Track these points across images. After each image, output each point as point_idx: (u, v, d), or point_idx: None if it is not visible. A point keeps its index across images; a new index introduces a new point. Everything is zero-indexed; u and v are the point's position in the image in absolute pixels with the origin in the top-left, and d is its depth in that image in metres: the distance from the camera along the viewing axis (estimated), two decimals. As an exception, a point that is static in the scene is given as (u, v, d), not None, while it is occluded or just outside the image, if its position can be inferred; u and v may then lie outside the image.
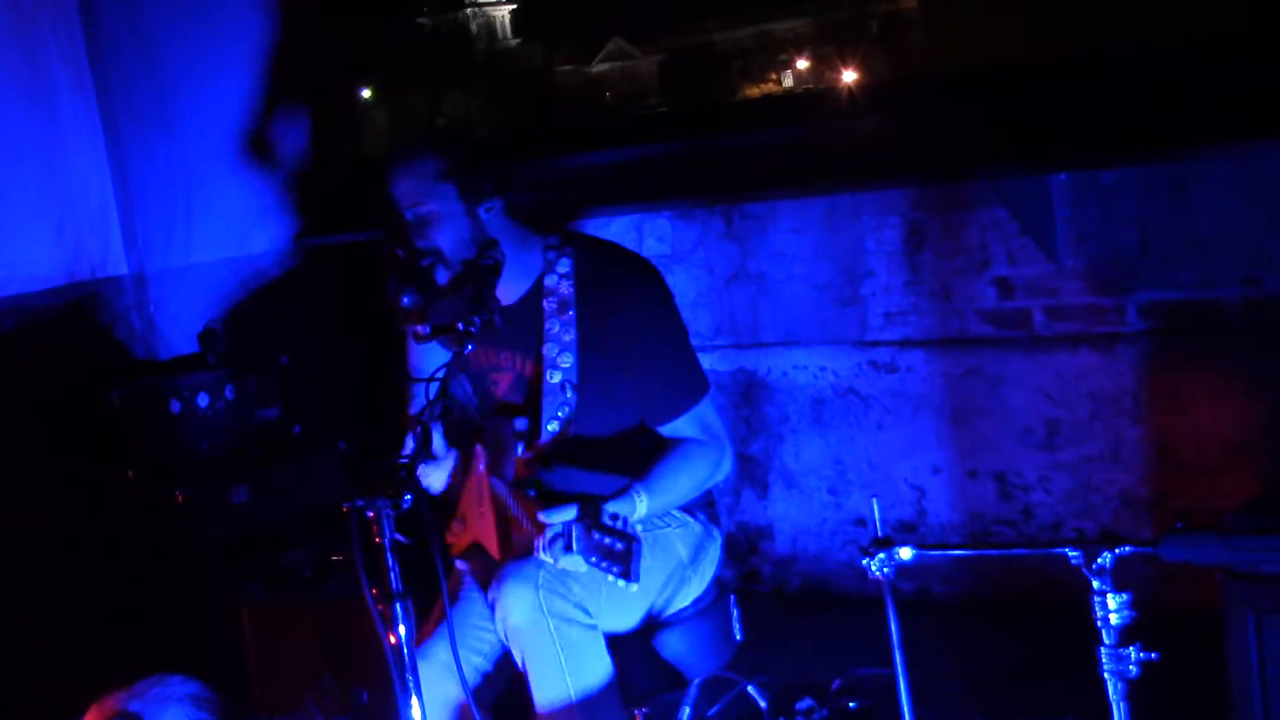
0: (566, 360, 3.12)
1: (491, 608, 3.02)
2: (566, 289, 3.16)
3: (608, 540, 2.65)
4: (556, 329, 3.14)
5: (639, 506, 2.95)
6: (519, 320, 3.15)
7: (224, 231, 5.77)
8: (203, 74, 5.74)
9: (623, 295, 3.15)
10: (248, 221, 5.81)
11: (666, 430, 3.15)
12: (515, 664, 3.02)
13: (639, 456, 3.09)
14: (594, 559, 2.69)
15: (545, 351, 3.15)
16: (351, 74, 6.22)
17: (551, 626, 2.94)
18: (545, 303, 3.17)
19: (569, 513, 2.78)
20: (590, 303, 3.15)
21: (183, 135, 5.73)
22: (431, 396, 2.78)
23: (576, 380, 3.11)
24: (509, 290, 3.19)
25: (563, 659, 2.95)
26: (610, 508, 2.80)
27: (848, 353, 4.98)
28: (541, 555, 2.83)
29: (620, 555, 2.63)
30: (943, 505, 4.87)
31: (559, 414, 3.10)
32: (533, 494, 2.97)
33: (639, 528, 2.75)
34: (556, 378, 3.12)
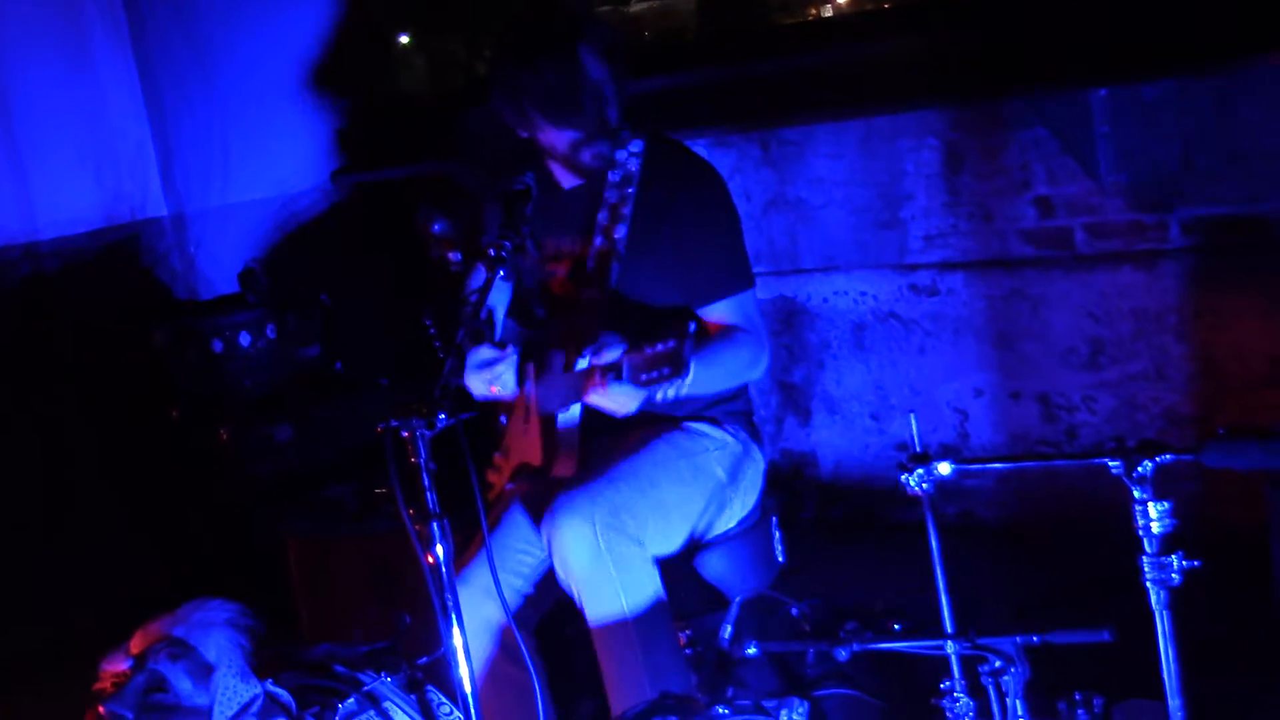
0: (618, 230, 3.16)
1: (547, 543, 3.01)
2: (633, 165, 3.20)
3: (659, 346, 2.63)
4: (614, 199, 3.18)
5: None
6: (585, 199, 3.21)
7: (262, 171, 5.78)
8: (237, 17, 5.73)
9: (688, 177, 3.21)
10: (286, 161, 5.82)
11: (711, 313, 3.16)
12: (560, 586, 3.02)
13: None
14: (644, 375, 2.65)
15: (599, 218, 3.18)
16: (389, 16, 6.25)
17: (610, 562, 2.94)
18: (610, 174, 3.20)
19: (618, 348, 2.76)
20: (654, 179, 3.19)
21: (219, 79, 5.73)
22: (466, 316, 2.78)
23: (623, 250, 3.14)
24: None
25: (619, 586, 2.96)
26: None
27: (888, 277, 4.94)
28: (593, 398, 2.83)
29: (671, 353, 2.61)
30: (985, 428, 4.84)
31: (602, 281, 3.13)
32: (585, 360, 2.95)
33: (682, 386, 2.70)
34: (604, 246, 3.13)
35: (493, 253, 2.85)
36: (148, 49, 5.69)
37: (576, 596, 3.00)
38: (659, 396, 2.67)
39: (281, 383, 5.15)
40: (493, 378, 3.10)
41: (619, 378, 2.72)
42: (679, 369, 2.60)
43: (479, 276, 3.30)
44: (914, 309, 4.91)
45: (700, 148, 5.09)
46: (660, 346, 2.63)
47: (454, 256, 3.08)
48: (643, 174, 3.19)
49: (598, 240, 3.17)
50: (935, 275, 4.83)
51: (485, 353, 3.11)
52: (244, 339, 5.07)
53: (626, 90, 3.18)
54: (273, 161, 5.80)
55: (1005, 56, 4.46)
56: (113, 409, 5.26)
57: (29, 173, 5.29)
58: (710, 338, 3.10)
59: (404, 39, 6.55)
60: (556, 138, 3.14)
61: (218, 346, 5.01)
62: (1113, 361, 4.54)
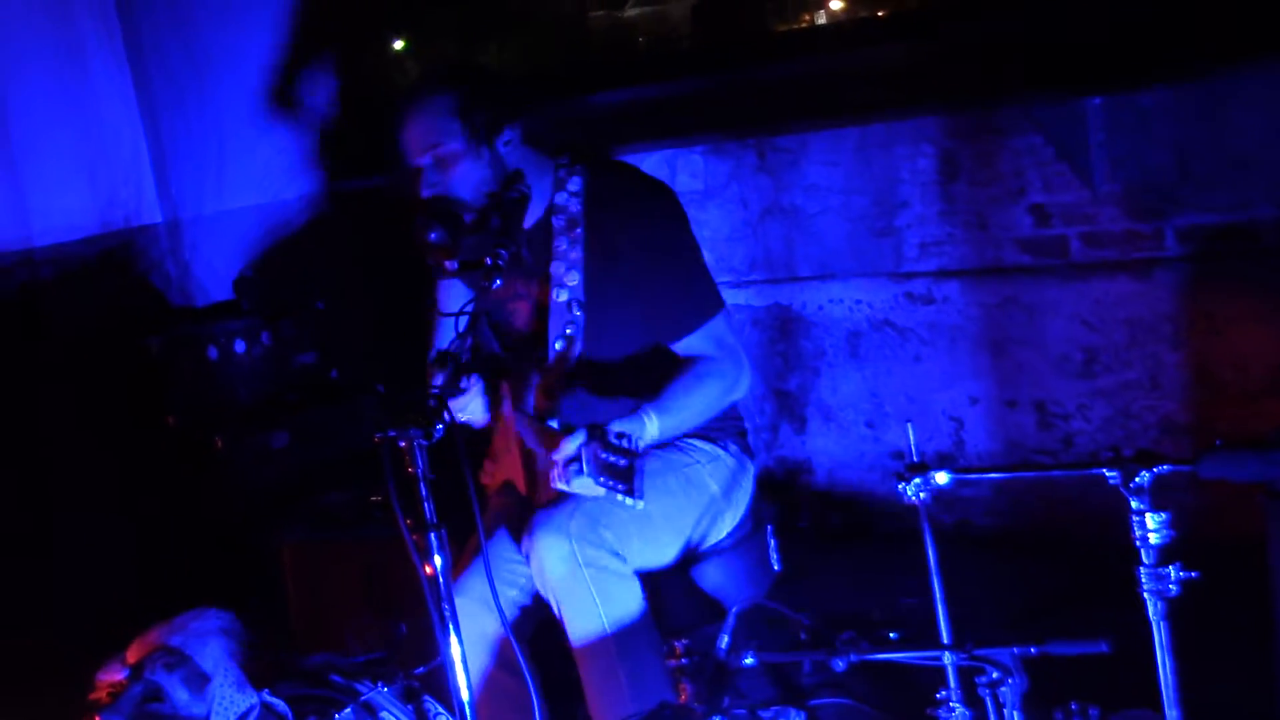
0: (573, 279, 3.09)
1: (526, 558, 3.03)
2: (575, 206, 3.13)
3: (613, 458, 2.67)
4: (564, 247, 3.11)
5: (648, 427, 2.94)
6: (533, 244, 3.14)
7: (257, 178, 5.78)
8: (232, 25, 5.73)
9: (632, 211, 3.12)
10: (281, 167, 5.81)
11: (681, 348, 3.13)
12: (549, 605, 3.03)
13: (655, 377, 3.07)
14: (602, 479, 2.70)
15: (553, 269, 3.12)
16: (383, 23, 6.30)
17: (587, 576, 2.95)
18: (554, 220, 3.14)
19: (578, 438, 2.78)
20: (599, 219, 3.12)
21: (214, 86, 5.73)
22: (460, 331, 2.78)
23: (584, 298, 3.09)
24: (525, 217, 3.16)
25: (597, 600, 2.96)
26: (616, 427, 2.80)
27: (883, 285, 4.94)
28: (557, 485, 2.84)
29: (624, 472, 2.65)
30: (981, 436, 4.84)
31: (565, 332, 3.08)
32: (555, 424, 2.96)
33: (642, 442, 2.79)
34: (563, 296, 3.09)
35: (489, 261, 2.84)
36: (142, 56, 5.68)
37: (557, 610, 3.01)
38: (618, 498, 2.69)
39: (277, 390, 5.15)
40: (460, 408, 3.12)
41: (581, 470, 2.75)
42: (630, 491, 2.64)
43: (456, 286, 3.30)
44: (909, 317, 4.91)
45: (696, 155, 5.17)
46: (616, 459, 2.66)
47: (451, 265, 3.06)
48: (587, 214, 3.12)
49: (555, 293, 3.11)
50: (931, 283, 4.83)
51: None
52: (239, 346, 5.07)
53: (508, 134, 3.10)
54: (268, 168, 5.79)
55: (1000, 64, 4.46)
56: (108, 416, 5.25)
57: (24, 180, 5.29)
58: (677, 376, 3.06)
59: (398, 45, 6.55)
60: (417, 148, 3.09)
61: (213, 354, 5.01)
62: (1107, 370, 4.54)
